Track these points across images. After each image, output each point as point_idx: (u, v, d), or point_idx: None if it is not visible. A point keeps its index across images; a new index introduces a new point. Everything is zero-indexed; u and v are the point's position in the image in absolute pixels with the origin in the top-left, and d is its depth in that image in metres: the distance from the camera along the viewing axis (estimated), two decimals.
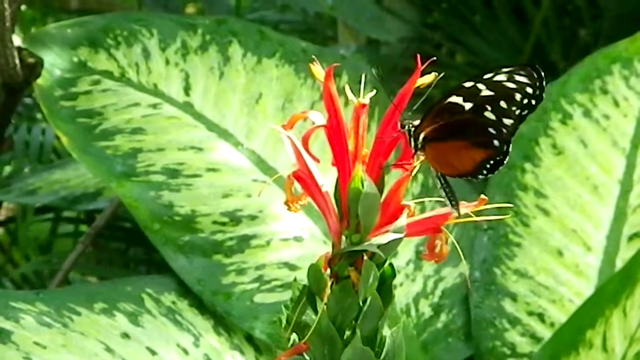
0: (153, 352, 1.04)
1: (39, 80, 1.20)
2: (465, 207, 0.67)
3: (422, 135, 0.66)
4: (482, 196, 0.67)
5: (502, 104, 0.65)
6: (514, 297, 1.24)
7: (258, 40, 1.29)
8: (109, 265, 1.83)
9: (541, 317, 1.23)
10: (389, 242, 0.64)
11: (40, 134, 1.81)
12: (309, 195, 0.66)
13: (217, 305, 1.11)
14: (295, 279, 0.67)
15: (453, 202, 0.66)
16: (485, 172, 0.66)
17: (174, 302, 1.11)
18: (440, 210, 0.67)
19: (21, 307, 1.01)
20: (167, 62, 1.25)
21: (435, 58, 0.68)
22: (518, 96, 0.65)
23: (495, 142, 0.65)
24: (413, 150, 0.66)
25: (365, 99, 0.66)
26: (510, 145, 0.66)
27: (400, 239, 0.64)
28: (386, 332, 0.66)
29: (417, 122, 0.66)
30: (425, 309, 1.23)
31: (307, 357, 0.65)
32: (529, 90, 0.65)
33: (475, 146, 0.66)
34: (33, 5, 2.42)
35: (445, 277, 1.25)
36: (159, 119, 1.21)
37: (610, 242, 1.26)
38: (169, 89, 1.23)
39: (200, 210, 1.15)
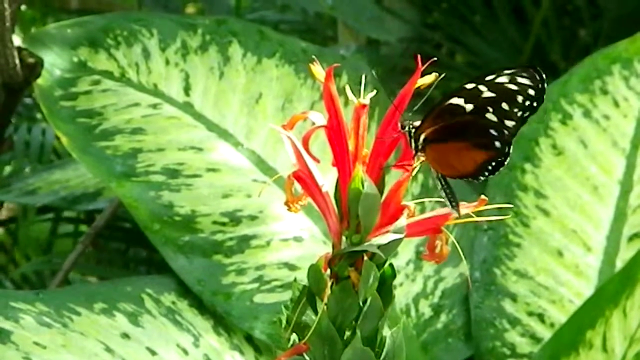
0: (153, 352, 1.04)
1: (39, 80, 1.20)
2: (465, 208, 0.67)
3: (422, 136, 0.66)
4: (483, 197, 0.67)
5: (504, 105, 0.65)
6: (514, 298, 1.24)
7: (258, 41, 1.29)
8: (109, 265, 1.83)
9: (541, 317, 1.23)
10: (389, 243, 0.64)
11: (41, 134, 1.81)
12: (309, 195, 0.66)
13: (217, 306, 1.11)
14: (295, 279, 0.67)
15: (453, 203, 0.66)
16: (486, 173, 0.66)
17: (173, 302, 1.11)
18: (441, 211, 0.67)
19: (21, 307, 1.01)
20: (167, 62, 1.25)
21: (435, 58, 0.68)
22: (520, 98, 0.65)
23: (497, 144, 0.65)
24: (413, 151, 0.66)
25: (366, 100, 0.66)
26: (511, 147, 0.66)
27: (400, 240, 0.64)
28: (386, 332, 0.66)
29: (417, 123, 0.66)
30: (425, 309, 1.23)
31: (307, 358, 0.65)
32: (531, 92, 0.65)
33: (476, 147, 0.66)
34: (33, 5, 2.42)
35: (445, 278, 1.25)
36: (159, 119, 1.21)
37: (610, 242, 1.26)
38: (169, 89, 1.23)
39: (200, 210, 1.15)
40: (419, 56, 0.65)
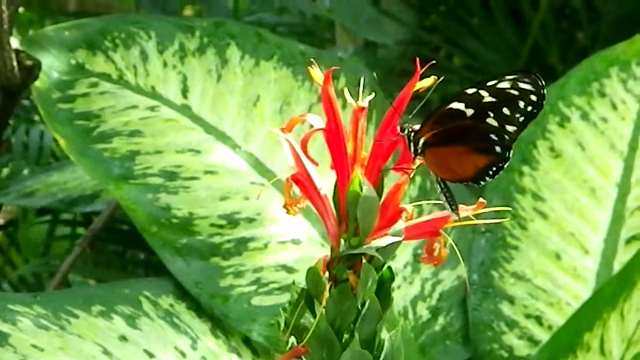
0: (151, 355, 1.04)
1: (37, 83, 1.20)
2: (463, 211, 0.67)
3: (422, 140, 0.66)
4: (481, 199, 0.67)
5: (505, 110, 0.65)
6: (511, 300, 1.24)
7: (256, 43, 1.29)
8: (107, 267, 1.82)
9: (539, 320, 1.23)
10: (387, 246, 0.64)
11: (39, 136, 1.81)
12: (308, 198, 0.66)
13: (215, 308, 1.11)
14: (293, 282, 0.67)
15: (453, 207, 0.66)
16: (486, 178, 0.66)
17: (171, 305, 1.11)
18: (439, 214, 0.67)
19: (19, 310, 1.01)
20: (165, 64, 1.25)
21: (433, 61, 0.68)
22: (522, 103, 0.65)
23: (498, 149, 0.65)
24: (413, 155, 0.66)
25: (364, 102, 0.66)
26: (511, 151, 0.66)
27: (399, 242, 0.64)
28: (384, 335, 0.66)
29: (417, 127, 0.66)
30: (423, 312, 1.23)
31: None
32: (533, 97, 0.65)
33: (477, 152, 0.66)
34: (31, 7, 2.42)
35: (443, 280, 1.25)
36: (156, 121, 1.21)
37: (608, 245, 1.26)
38: (167, 91, 1.23)
39: (198, 212, 1.15)
40: (417, 59, 0.65)
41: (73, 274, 1.69)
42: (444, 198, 0.67)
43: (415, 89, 0.66)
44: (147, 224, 1.14)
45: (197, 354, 1.07)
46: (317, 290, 0.64)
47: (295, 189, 0.66)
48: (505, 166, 0.66)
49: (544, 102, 0.65)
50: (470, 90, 0.65)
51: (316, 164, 0.65)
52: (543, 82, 0.65)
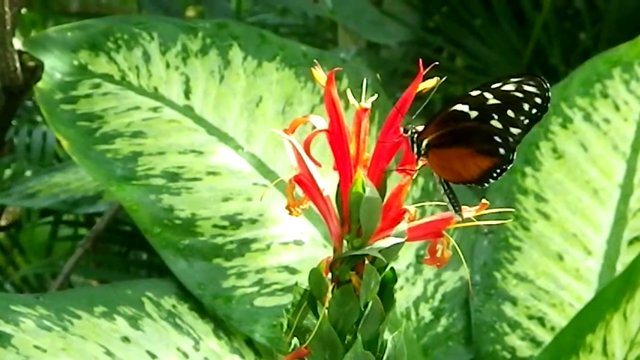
0: (153, 356, 1.04)
1: (40, 84, 1.20)
2: (466, 212, 0.67)
3: (425, 141, 0.66)
4: (484, 200, 0.67)
5: (510, 112, 0.65)
6: (514, 301, 1.24)
7: (258, 44, 1.29)
8: (109, 268, 1.83)
9: (541, 321, 1.23)
10: (390, 247, 0.64)
11: (41, 137, 1.81)
12: (310, 199, 0.66)
13: (217, 309, 1.11)
14: (296, 283, 0.67)
15: (456, 208, 0.66)
16: (490, 180, 0.66)
17: (174, 306, 1.11)
18: (442, 215, 0.67)
19: (21, 311, 1.01)
20: (168, 65, 1.25)
21: (436, 62, 0.68)
22: (526, 106, 0.65)
23: (501, 151, 0.65)
24: (416, 156, 0.66)
25: (367, 103, 0.66)
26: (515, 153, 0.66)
27: (401, 244, 0.64)
28: (387, 336, 0.66)
29: (420, 128, 0.66)
30: (426, 313, 1.23)
31: None
32: (538, 100, 0.65)
33: (480, 154, 0.66)
34: (33, 8, 2.42)
35: (446, 281, 1.25)
36: (159, 122, 1.21)
37: (611, 246, 1.26)
38: (170, 92, 1.23)
39: (201, 213, 1.15)
40: (420, 60, 0.65)
41: (75, 275, 1.69)
42: (447, 199, 0.67)
43: (418, 90, 0.66)
44: (150, 225, 1.14)
45: (199, 355, 1.07)
46: (320, 292, 0.64)
47: (298, 190, 0.66)
48: (508, 168, 0.66)
49: (549, 105, 0.65)
50: (475, 93, 0.65)
51: (319, 165, 0.65)
52: (548, 85, 0.65)
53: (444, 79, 0.67)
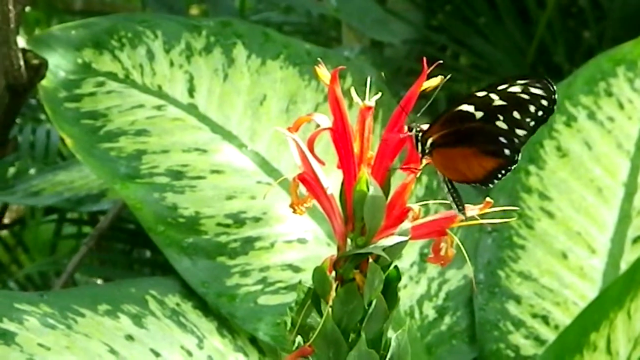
0: (157, 354, 1.04)
1: (44, 82, 1.20)
2: (470, 210, 0.67)
3: (430, 141, 0.66)
4: (488, 199, 0.67)
5: (515, 114, 0.65)
6: (518, 300, 1.24)
7: (262, 42, 1.29)
8: (113, 266, 1.83)
9: (545, 319, 1.23)
10: (394, 245, 0.64)
11: (45, 135, 1.81)
12: (314, 197, 0.66)
13: (221, 307, 1.11)
14: (300, 282, 0.67)
15: (460, 207, 0.66)
16: (494, 180, 0.66)
17: (178, 304, 1.11)
18: (446, 213, 0.67)
19: (25, 309, 1.01)
20: (172, 63, 1.25)
21: (440, 60, 0.68)
22: (532, 107, 0.65)
23: (506, 151, 0.65)
24: (420, 155, 0.66)
25: (371, 102, 0.66)
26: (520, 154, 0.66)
27: (405, 242, 0.64)
28: (391, 334, 0.66)
29: (424, 126, 0.66)
30: (430, 311, 1.23)
31: None
32: (544, 102, 0.65)
33: (485, 154, 0.66)
34: (37, 6, 2.42)
35: (450, 280, 1.25)
36: (163, 120, 1.21)
37: (615, 244, 1.26)
38: (173, 90, 1.23)
39: (204, 212, 1.15)
40: (424, 58, 0.65)
41: (79, 273, 1.69)
42: (451, 198, 0.67)
43: (422, 88, 0.66)
44: (154, 223, 1.14)
45: (203, 353, 1.07)
46: (324, 290, 0.64)
47: (302, 189, 0.66)
48: (513, 169, 0.66)
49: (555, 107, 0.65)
50: (481, 93, 0.65)
51: (323, 163, 0.65)
52: (554, 88, 0.65)
53: (448, 77, 0.67)
